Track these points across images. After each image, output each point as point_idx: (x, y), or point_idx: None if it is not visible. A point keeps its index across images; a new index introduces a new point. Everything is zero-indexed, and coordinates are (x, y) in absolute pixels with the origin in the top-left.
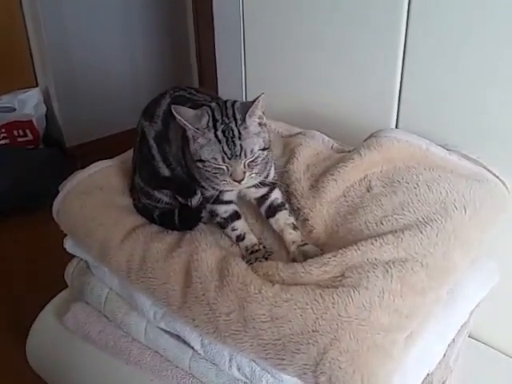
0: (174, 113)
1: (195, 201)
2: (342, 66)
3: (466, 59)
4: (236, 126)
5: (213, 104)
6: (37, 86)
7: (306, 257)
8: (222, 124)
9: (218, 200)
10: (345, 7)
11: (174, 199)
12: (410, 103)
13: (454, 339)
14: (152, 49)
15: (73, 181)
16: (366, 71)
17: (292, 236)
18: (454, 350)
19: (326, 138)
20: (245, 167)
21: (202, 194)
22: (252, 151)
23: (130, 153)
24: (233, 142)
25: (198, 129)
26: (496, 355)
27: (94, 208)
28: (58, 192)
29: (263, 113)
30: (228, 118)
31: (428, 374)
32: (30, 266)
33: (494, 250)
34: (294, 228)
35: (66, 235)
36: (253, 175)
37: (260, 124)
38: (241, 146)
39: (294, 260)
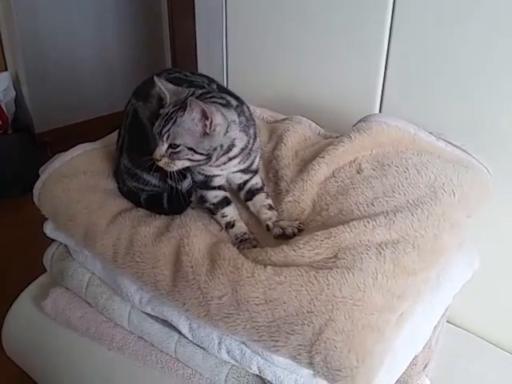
0: (157, 81)
1: (185, 184)
2: (325, 52)
3: (450, 48)
4: (178, 112)
5: (199, 91)
6: (6, 69)
7: (283, 229)
8: (176, 106)
9: (207, 185)
10: None
11: (163, 182)
12: (394, 92)
13: (438, 322)
14: (125, 34)
15: (54, 164)
16: (349, 58)
17: (267, 215)
18: (436, 332)
19: (313, 124)
20: (166, 152)
21: (191, 178)
22: (174, 143)
23: (112, 136)
24: (166, 124)
25: (166, 102)
26: (472, 339)
27: (77, 191)
28: (27, 178)
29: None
30: (183, 103)
31: (416, 356)
32: (1, 253)
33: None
34: (270, 208)
35: (37, 221)
36: (171, 165)
37: (208, 129)
38: (168, 131)
39: (268, 230)
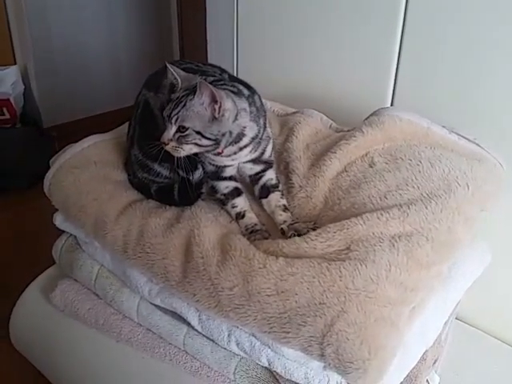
0: (169, 67)
1: (197, 175)
2: (337, 45)
3: (464, 41)
4: (188, 96)
5: (210, 78)
6: (15, 63)
7: (296, 231)
8: (186, 90)
9: (218, 176)
10: None
11: (174, 173)
12: (406, 85)
13: (448, 317)
14: (134, 30)
15: (65, 154)
16: (361, 51)
17: (282, 217)
18: (445, 328)
19: (325, 117)
20: (174, 136)
21: (202, 169)
22: (182, 125)
23: (123, 128)
24: (175, 107)
25: (176, 86)
26: (481, 336)
27: (88, 182)
28: (35, 171)
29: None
30: (193, 88)
31: (426, 351)
32: (8, 246)
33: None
34: (285, 210)
35: (44, 213)
36: (178, 149)
37: (217, 113)
38: (177, 113)
39: (286, 236)
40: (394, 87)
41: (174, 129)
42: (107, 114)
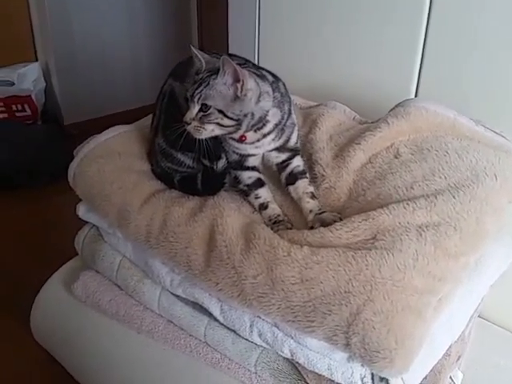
0: (193, 50)
1: (221, 164)
2: (359, 37)
3: (489, 33)
4: (211, 76)
5: (234, 61)
6: (36, 60)
7: (323, 224)
8: (210, 71)
9: (241, 166)
10: None
11: (198, 162)
12: (431, 78)
13: (473, 312)
14: (154, 28)
15: (89, 145)
16: (384, 43)
17: (310, 205)
18: (469, 324)
19: (348, 109)
20: (196, 116)
21: (226, 159)
22: (205, 103)
23: (146, 120)
24: (198, 87)
25: (200, 68)
26: (504, 334)
27: (112, 172)
28: (55, 168)
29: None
30: (217, 69)
31: (450, 345)
32: (29, 239)
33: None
34: (312, 197)
35: (64, 209)
36: (200, 129)
37: (239, 92)
38: (200, 92)
39: (311, 228)
40: (418, 80)
41: (196, 108)
42: (127, 113)
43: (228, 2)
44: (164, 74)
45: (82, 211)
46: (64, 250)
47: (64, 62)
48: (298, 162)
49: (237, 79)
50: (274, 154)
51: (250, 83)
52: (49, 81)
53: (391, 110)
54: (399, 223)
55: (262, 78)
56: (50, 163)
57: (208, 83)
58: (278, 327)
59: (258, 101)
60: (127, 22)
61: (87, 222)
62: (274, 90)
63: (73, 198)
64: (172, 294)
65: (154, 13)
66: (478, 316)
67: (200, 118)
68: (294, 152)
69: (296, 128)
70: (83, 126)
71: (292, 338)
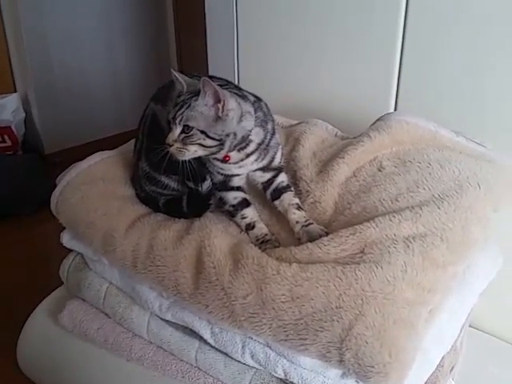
0: (174, 73)
1: (206, 186)
2: (338, 57)
3: (466, 46)
4: (191, 98)
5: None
6: (15, 91)
7: (309, 236)
8: (191, 93)
9: (226, 186)
10: None
11: (182, 185)
12: (408, 94)
13: (464, 321)
14: (134, 55)
15: (71, 172)
16: (362, 62)
17: (296, 216)
18: (461, 333)
19: (330, 126)
20: (179, 137)
21: (211, 180)
22: (186, 124)
23: (129, 145)
24: (180, 109)
25: (182, 91)
26: (496, 342)
27: (95, 198)
28: (37, 197)
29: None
30: (198, 91)
31: (443, 357)
32: (14, 270)
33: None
34: (298, 208)
35: (48, 238)
36: (183, 151)
37: (220, 112)
38: (181, 114)
39: (298, 240)
40: (397, 94)
41: (178, 129)
42: (109, 139)
43: (206, 26)
44: (144, 99)
45: (66, 239)
46: (49, 280)
47: (43, 91)
48: (282, 178)
49: (217, 100)
50: (259, 173)
51: (231, 103)
52: (28, 111)
53: (372, 124)
54: (386, 236)
55: (244, 98)
56: (33, 193)
57: (189, 105)
58: (270, 347)
59: (240, 120)
60: (106, 50)
61: (72, 251)
62: (256, 110)
63: (58, 227)
64: (161, 319)
65: (132, 39)
66: (469, 326)
67: (182, 139)
68: (278, 171)
69: (280, 147)
70: (64, 154)
71: (285, 357)
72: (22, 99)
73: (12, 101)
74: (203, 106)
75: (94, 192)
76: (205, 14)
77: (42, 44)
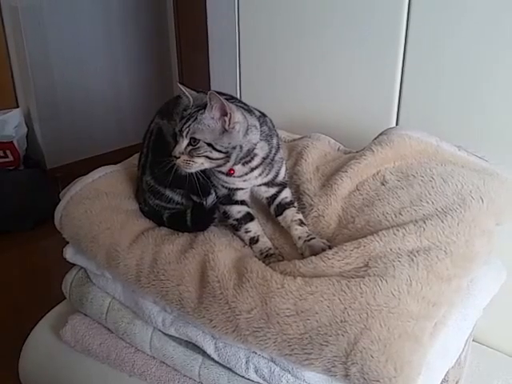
0: (180, 87)
1: (210, 200)
2: (339, 71)
3: (466, 61)
4: (198, 111)
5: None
6: (17, 106)
7: (312, 251)
8: (198, 107)
9: (230, 200)
10: (345, 10)
11: (186, 199)
12: (410, 106)
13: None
14: (135, 70)
15: (75, 186)
16: (363, 76)
17: (298, 231)
18: (465, 348)
19: (332, 141)
20: (185, 150)
21: (215, 194)
22: (193, 137)
23: (133, 159)
24: (187, 122)
25: (188, 105)
26: (500, 357)
27: (99, 213)
28: (39, 213)
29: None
30: (204, 105)
31: (447, 371)
32: (16, 285)
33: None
34: (301, 224)
35: (48, 253)
36: (190, 163)
37: (227, 125)
38: (188, 127)
39: (301, 254)
40: (398, 110)
41: (185, 142)
42: (110, 154)
43: (208, 41)
44: (145, 114)
45: (69, 254)
46: (51, 295)
47: (45, 106)
48: (285, 194)
49: (224, 113)
50: (264, 188)
51: (238, 116)
52: (30, 126)
53: (375, 138)
54: (390, 249)
55: (250, 112)
56: (35, 208)
57: (196, 118)
58: (274, 362)
59: (246, 134)
60: (108, 66)
61: (74, 265)
62: (261, 124)
63: (59, 242)
64: (164, 333)
65: (134, 54)
66: (473, 340)
67: (189, 151)
68: (283, 186)
69: (284, 162)
70: (66, 169)
71: (289, 372)
72: (24, 114)
73: (14, 116)
74: (210, 119)
75: (98, 206)
76: (207, 28)
77: (44, 60)
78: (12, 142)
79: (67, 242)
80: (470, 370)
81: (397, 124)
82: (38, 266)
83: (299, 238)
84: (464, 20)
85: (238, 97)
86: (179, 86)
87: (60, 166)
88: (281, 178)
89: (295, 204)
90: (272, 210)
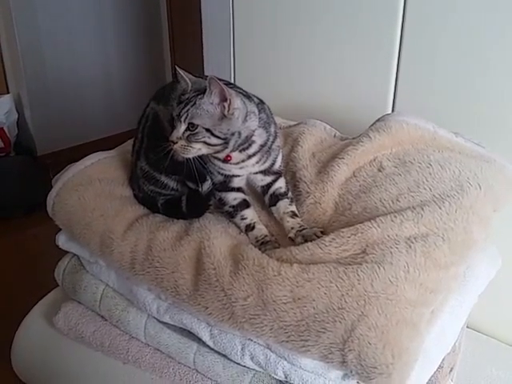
0: (179, 71)
1: (206, 186)
2: (335, 57)
3: (463, 48)
4: (197, 96)
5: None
6: (8, 92)
7: (305, 239)
8: (196, 91)
9: (226, 187)
10: None
11: (182, 185)
12: (406, 95)
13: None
14: (127, 56)
15: (68, 173)
16: (360, 63)
17: (290, 223)
18: (460, 335)
19: (328, 127)
20: (183, 135)
21: (211, 180)
22: (191, 122)
23: (126, 145)
24: (185, 106)
25: (186, 89)
26: (494, 343)
27: (92, 199)
28: (30, 200)
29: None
30: (203, 89)
31: (443, 358)
32: (9, 273)
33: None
34: (293, 216)
35: (40, 240)
36: (187, 148)
37: (226, 111)
38: (186, 111)
39: (292, 241)
40: (394, 97)
41: (183, 127)
42: (102, 140)
43: (202, 27)
44: (137, 100)
45: (61, 241)
46: (44, 282)
47: (36, 93)
48: (280, 184)
49: (224, 98)
50: (260, 176)
51: (237, 102)
52: (21, 112)
53: (372, 124)
54: (388, 236)
55: (249, 98)
56: (25, 195)
57: (195, 102)
58: (270, 349)
59: (245, 120)
60: (99, 50)
61: (67, 253)
62: (259, 111)
63: (51, 229)
64: (159, 321)
65: (125, 41)
66: (468, 327)
67: (187, 136)
68: (278, 175)
69: (281, 151)
70: (58, 155)
71: (285, 359)
72: (15, 100)
73: (5, 102)
74: (209, 105)
75: (91, 193)
76: (200, 16)
77: (35, 45)
78: (2, 128)
79: (60, 229)
80: (464, 357)
81: (393, 110)
82: (30, 254)
83: (292, 228)
84: (460, 7)
85: (233, 81)
86: (177, 69)
87: (51, 153)
88: (277, 166)
89: (289, 195)
90: (266, 199)
